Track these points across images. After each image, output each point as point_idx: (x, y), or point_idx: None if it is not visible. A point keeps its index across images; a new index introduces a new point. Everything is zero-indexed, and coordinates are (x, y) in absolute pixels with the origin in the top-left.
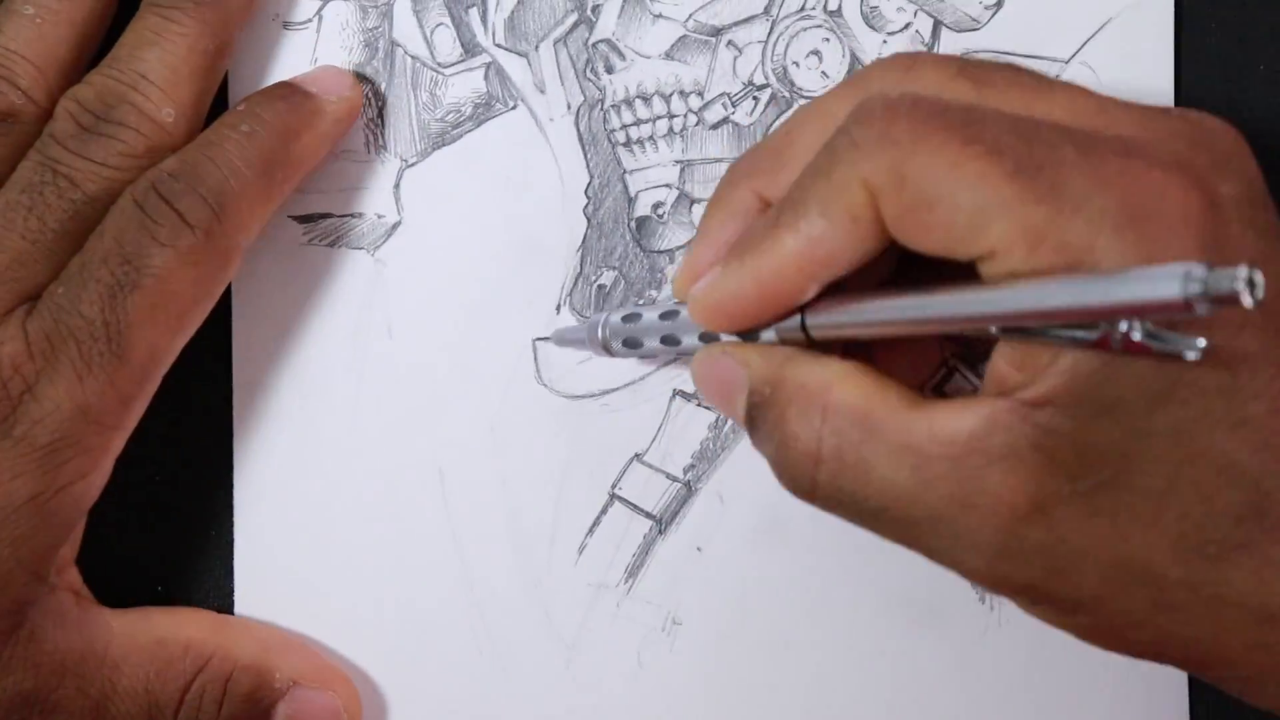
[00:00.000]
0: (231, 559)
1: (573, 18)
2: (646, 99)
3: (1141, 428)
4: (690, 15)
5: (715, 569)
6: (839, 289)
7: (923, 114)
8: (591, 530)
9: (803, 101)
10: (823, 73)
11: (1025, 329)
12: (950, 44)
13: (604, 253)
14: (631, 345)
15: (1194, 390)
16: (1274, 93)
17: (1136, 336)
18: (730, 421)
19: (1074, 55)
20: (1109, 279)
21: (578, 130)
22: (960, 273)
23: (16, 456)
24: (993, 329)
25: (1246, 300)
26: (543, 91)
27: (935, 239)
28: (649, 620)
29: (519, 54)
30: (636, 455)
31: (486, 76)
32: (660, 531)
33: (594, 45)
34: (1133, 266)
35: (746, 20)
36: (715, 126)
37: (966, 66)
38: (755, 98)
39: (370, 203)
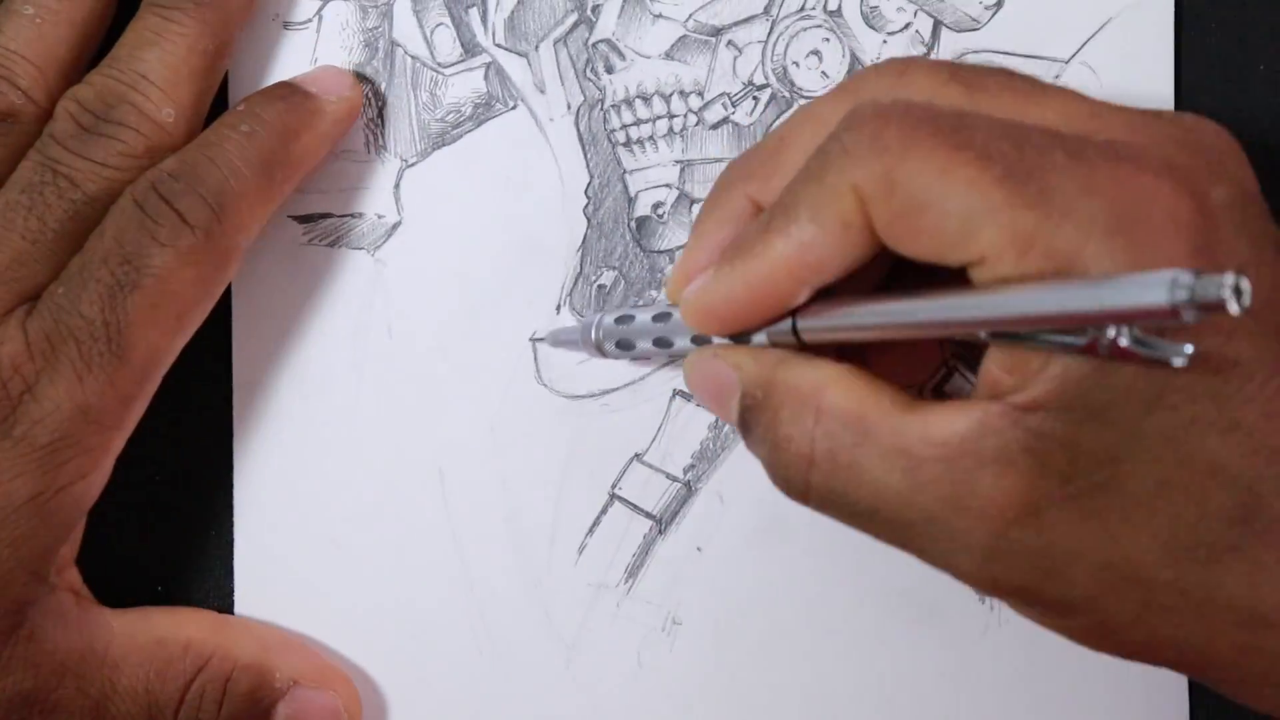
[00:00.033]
0: (231, 559)
1: (573, 18)
2: (646, 99)
3: (1133, 431)
4: (690, 15)
5: (715, 569)
6: (830, 293)
7: (913, 120)
8: (591, 530)
9: (803, 101)
10: (823, 73)
11: (1014, 334)
12: (950, 44)
13: (604, 253)
14: (624, 347)
15: (1185, 395)
16: (1274, 93)
17: (1124, 343)
18: None
19: (1074, 55)
20: (1097, 285)
21: (578, 130)
22: (952, 278)
23: (16, 456)
24: (982, 334)
25: (1233, 308)
26: (543, 91)
27: (925, 245)
28: (649, 620)
29: (519, 54)
30: (636, 455)
31: (486, 76)
32: (660, 531)
33: (594, 45)
34: (1121, 273)
35: (746, 20)
36: (715, 126)
37: (959, 71)
38: (755, 98)
39: (370, 203)
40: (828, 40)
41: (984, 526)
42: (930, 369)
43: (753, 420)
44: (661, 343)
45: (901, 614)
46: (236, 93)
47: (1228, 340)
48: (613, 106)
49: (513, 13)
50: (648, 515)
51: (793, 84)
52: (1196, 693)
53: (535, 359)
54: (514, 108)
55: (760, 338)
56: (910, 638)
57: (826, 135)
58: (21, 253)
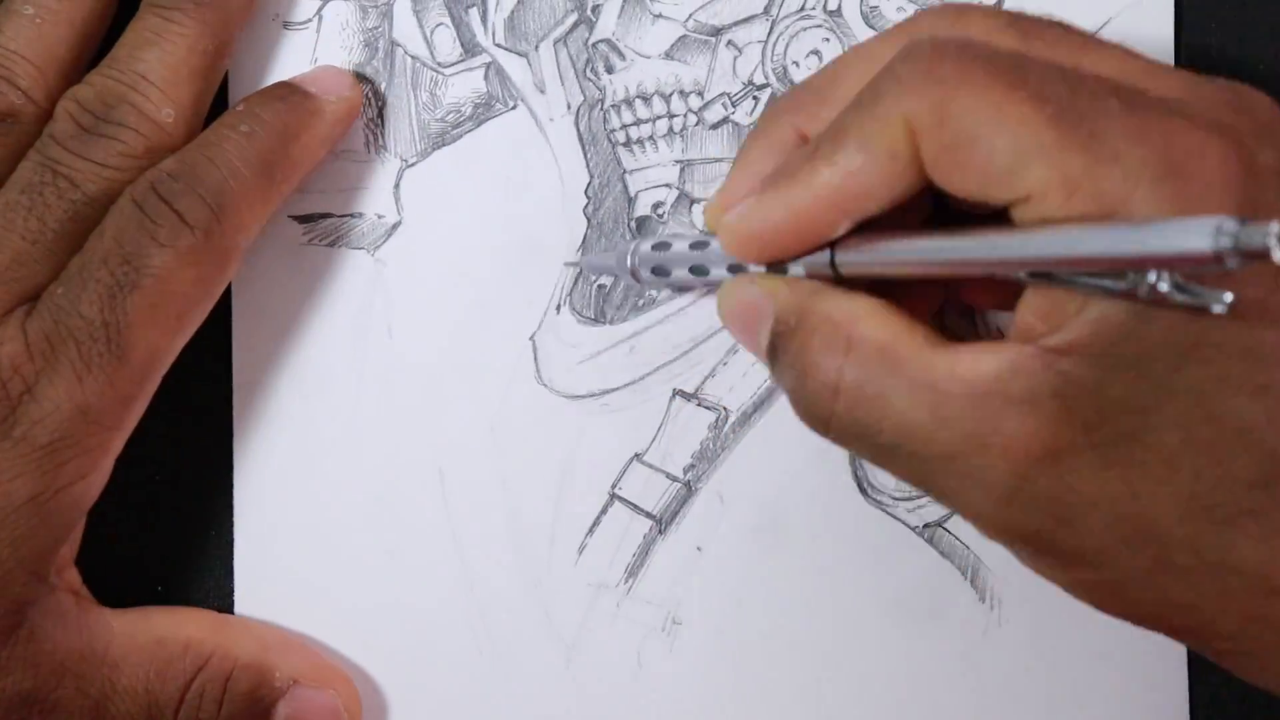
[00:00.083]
0: (231, 559)
1: (573, 17)
2: (646, 99)
3: (1163, 384)
4: (690, 15)
5: (715, 569)
6: (870, 229)
7: (970, 56)
8: (591, 530)
9: None
10: None
11: (1053, 275)
12: None
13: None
14: (660, 273)
15: (1218, 351)
16: (1274, 93)
17: (1164, 288)
18: (730, 421)
19: None
20: (1141, 228)
21: (578, 130)
22: (992, 222)
23: (16, 457)
24: (1021, 274)
25: (1278, 256)
26: (543, 91)
27: (972, 180)
28: (649, 620)
29: (519, 54)
30: (636, 455)
31: (486, 76)
32: (660, 531)
33: (594, 45)
34: (1165, 217)
35: (746, 20)
36: (715, 126)
37: (1016, 19)
38: (755, 97)
39: (370, 203)
40: (828, 40)
41: (1004, 466)
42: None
43: (782, 348)
44: (697, 270)
45: (902, 614)
46: (236, 93)
47: (1268, 295)
48: (613, 106)
49: (513, 12)
50: (648, 515)
51: (793, 84)
52: (1196, 691)
53: (535, 359)
54: (514, 108)
55: (797, 269)
56: (910, 638)
57: (878, 71)
58: (21, 253)
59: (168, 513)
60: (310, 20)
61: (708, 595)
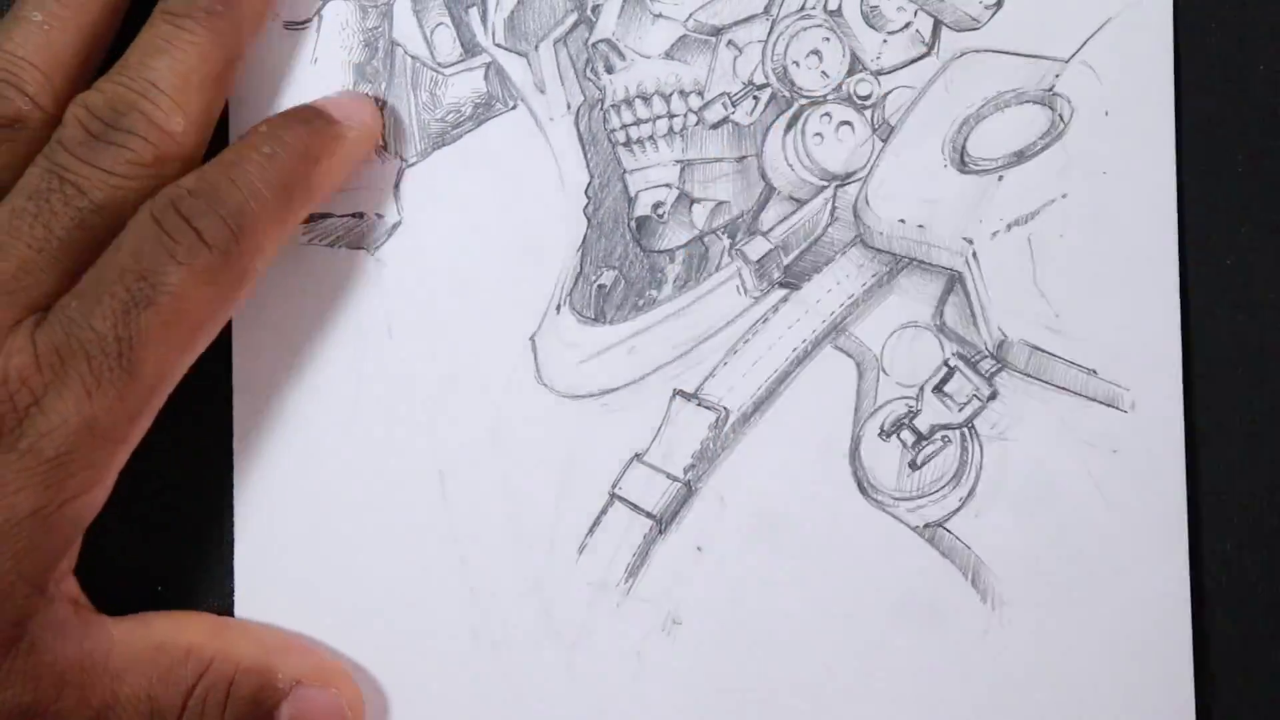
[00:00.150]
0: (232, 559)
1: (572, 17)
2: (646, 99)
3: None
4: (690, 15)
5: (715, 568)
6: None
7: None
8: (592, 530)
9: (803, 101)
10: (823, 72)
11: None
12: (950, 43)
13: (604, 252)
14: None
15: None
16: (1274, 93)
17: None
18: (730, 421)
19: (1074, 55)
20: None
21: (578, 130)
22: None
23: (21, 470)
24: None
25: None
26: (543, 91)
27: None
28: (649, 620)
29: (519, 54)
30: (636, 455)
31: (486, 76)
32: (660, 531)
33: (594, 45)
34: None
35: (746, 20)
36: (715, 126)
37: None
38: (755, 97)
39: (370, 203)
40: (828, 40)
41: None
42: (931, 369)
43: None
44: None
45: (902, 614)
46: (235, 91)
47: None
48: (613, 106)
49: (512, 12)
50: (648, 515)
51: (793, 83)
52: (1203, 694)
53: (535, 359)
54: (514, 108)
55: None
56: (911, 638)
57: None
58: (27, 261)
59: (167, 514)
60: (310, 20)
61: (708, 595)
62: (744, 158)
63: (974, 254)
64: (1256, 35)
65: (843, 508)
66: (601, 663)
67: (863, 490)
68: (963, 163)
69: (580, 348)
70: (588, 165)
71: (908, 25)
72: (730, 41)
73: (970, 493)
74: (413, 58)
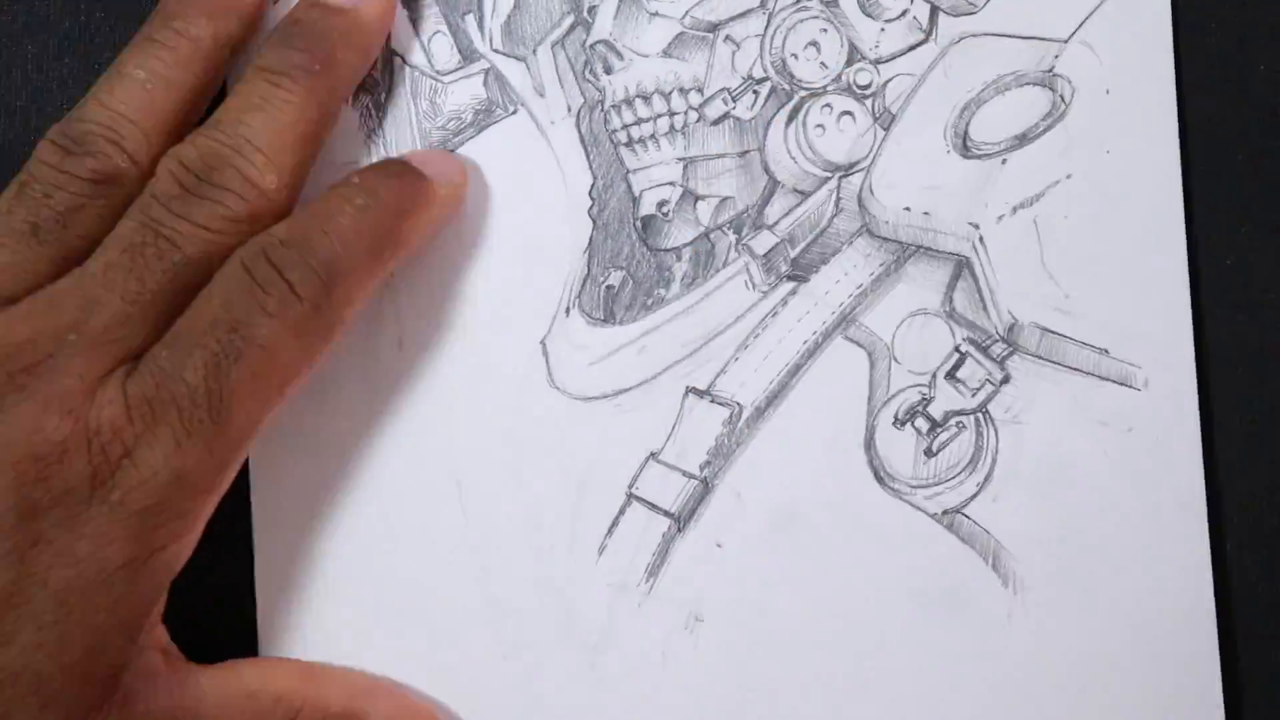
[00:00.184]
0: (251, 575)
1: (569, 20)
2: (646, 98)
3: None
4: (686, 12)
5: (735, 564)
6: None
7: None
8: (610, 531)
9: (803, 93)
10: (821, 63)
11: None
12: (948, 28)
13: (611, 253)
14: None
15: None
16: (1274, 93)
17: None
18: (744, 416)
19: (1073, 34)
20: None
21: (579, 132)
22: None
23: (113, 522)
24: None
25: None
26: (542, 95)
27: None
28: (671, 618)
29: (517, 58)
30: (652, 454)
31: (485, 82)
32: (679, 529)
33: (591, 46)
34: None
35: (743, 14)
36: (716, 122)
37: None
38: (755, 91)
39: None
40: (825, 30)
41: None
42: (943, 355)
43: None
44: None
45: (923, 602)
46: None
47: None
48: (613, 107)
49: (509, 17)
50: (666, 513)
51: (792, 76)
52: (1230, 677)
53: (547, 363)
54: (514, 112)
55: None
56: (933, 626)
57: None
58: (121, 314)
59: None
60: None
61: (729, 591)
62: (746, 152)
63: (980, 238)
64: (1256, 35)
65: (860, 498)
66: (625, 663)
67: (879, 480)
68: (965, 148)
69: (591, 349)
70: (590, 167)
71: (905, 12)
72: (728, 37)
73: (987, 477)
74: (411, 67)
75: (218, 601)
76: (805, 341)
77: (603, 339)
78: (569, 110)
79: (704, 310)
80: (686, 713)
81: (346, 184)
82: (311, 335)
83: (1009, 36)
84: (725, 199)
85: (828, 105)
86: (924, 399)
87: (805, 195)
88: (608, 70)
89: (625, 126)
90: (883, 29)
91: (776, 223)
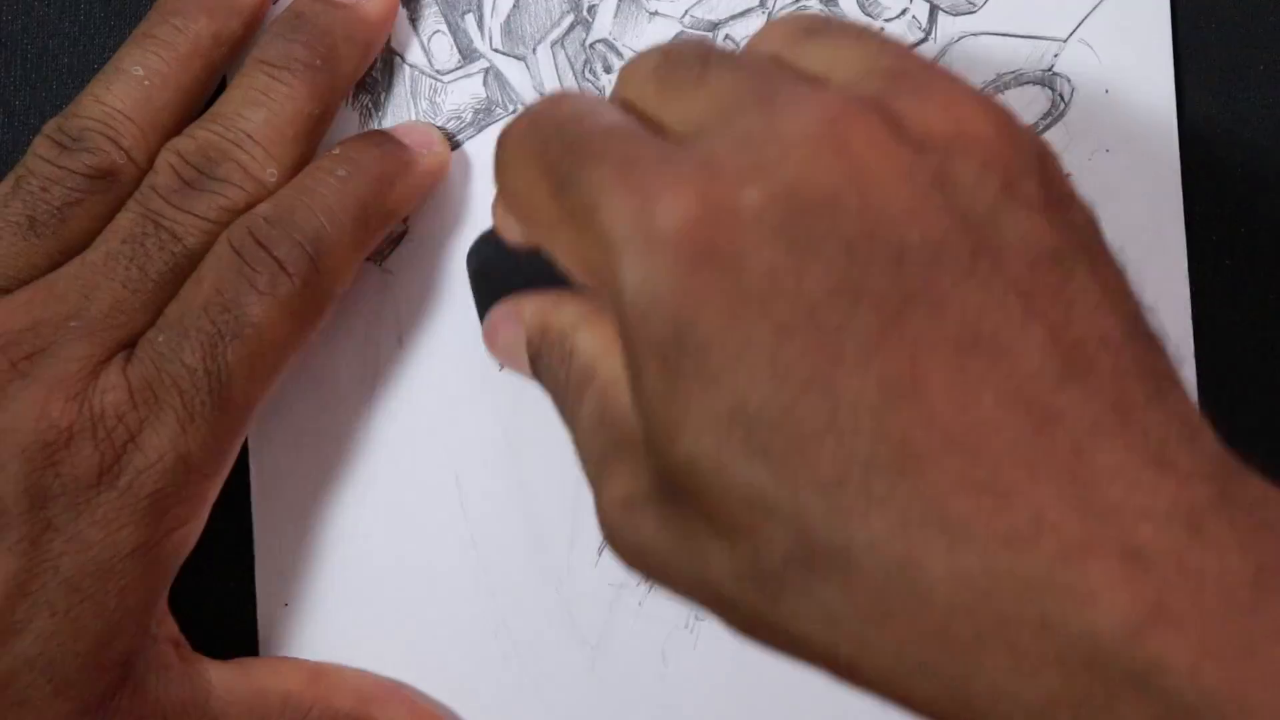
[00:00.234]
0: (251, 574)
1: (569, 19)
2: None
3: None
4: (686, 11)
5: None
6: None
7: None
8: None
9: None
10: None
11: None
12: (947, 28)
13: None
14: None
15: None
16: (1274, 93)
17: None
18: None
19: (1072, 33)
20: None
21: None
22: None
23: (122, 507)
24: None
25: None
26: (542, 94)
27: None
28: (672, 617)
29: (517, 58)
30: None
31: (485, 82)
32: None
33: (591, 45)
34: None
35: (743, 14)
36: None
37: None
38: None
39: None
40: None
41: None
42: None
43: (536, 370)
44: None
45: None
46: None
47: None
48: None
49: (509, 17)
50: None
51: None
52: None
53: None
54: (514, 111)
55: None
56: None
57: None
58: (121, 300)
59: None
60: None
61: None
62: None
63: None
64: (1256, 35)
65: None
66: (625, 662)
67: None
68: None
69: None
70: None
71: (904, 12)
72: (727, 36)
73: None
74: (411, 66)
75: (218, 600)
76: None
77: None
78: None
79: None
80: (687, 712)
81: (328, 156)
82: (303, 311)
83: (1008, 36)
84: None
85: None
86: None
87: None
88: (607, 69)
89: None
90: (882, 28)
91: None
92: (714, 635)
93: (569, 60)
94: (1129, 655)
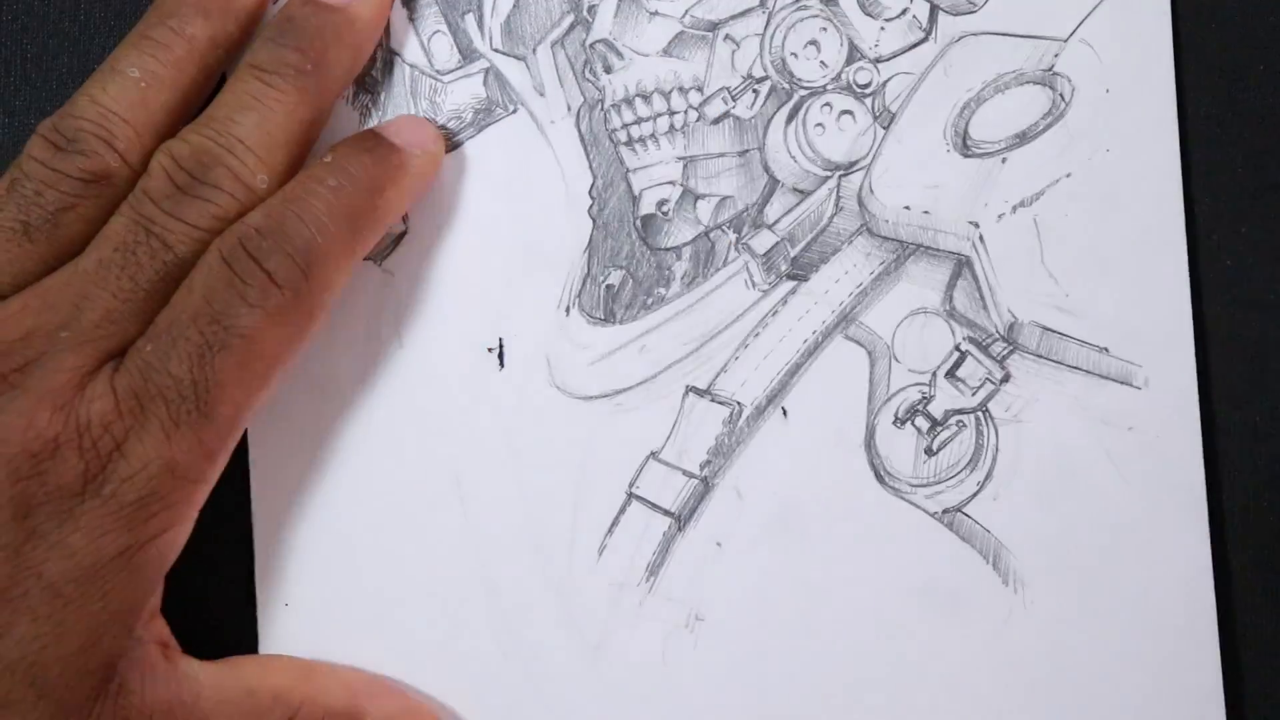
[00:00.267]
0: (251, 574)
1: (569, 19)
2: (646, 97)
3: None
4: (686, 11)
5: (736, 563)
6: None
7: None
8: (610, 530)
9: (803, 92)
10: (821, 62)
11: None
12: (947, 27)
13: (610, 252)
14: None
15: None
16: (1274, 93)
17: None
18: (745, 415)
19: (1072, 33)
20: None
21: (579, 131)
22: None
23: (106, 514)
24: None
25: None
26: (542, 94)
27: None
28: (672, 617)
29: (517, 58)
30: (652, 453)
31: (485, 82)
32: (679, 528)
33: (591, 45)
34: None
35: (743, 13)
36: (716, 121)
37: None
38: (755, 90)
39: None
40: (825, 29)
41: None
42: (944, 354)
43: None
44: None
45: (924, 601)
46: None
47: None
48: (613, 106)
49: (509, 17)
50: (666, 513)
51: (792, 75)
52: (1231, 673)
53: (547, 362)
54: (514, 112)
55: None
56: (933, 625)
57: None
58: (112, 310)
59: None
60: None
61: (729, 590)
62: (746, 151)
63: (980, 237)
64: (1256, 35)
65: (861, 497)
66: (626, 662)
67: (880, 479)
68: (965, 147)
69: (591, 349)
70: (590, 166)
71: (905, 11)
72: (728, 36)
73: (988, 476)
74: (411, 66)
75: (218, 600)
76: (805, 340)
77: (603, 338)
78: (569, 109)
79: (704, 309)
80: (687, 712)
81: (320, 165)
82: (293, 322)
83: (1009, 35)
84: (725, 198)
85: (827, 104)
86: (924, 398)
87: (805, 194)
88: (607, 69)
89: (625, 125)
90: (882, 28)
91: (776, 222)
92: (714, 636)
93: (569, 60)
94: None
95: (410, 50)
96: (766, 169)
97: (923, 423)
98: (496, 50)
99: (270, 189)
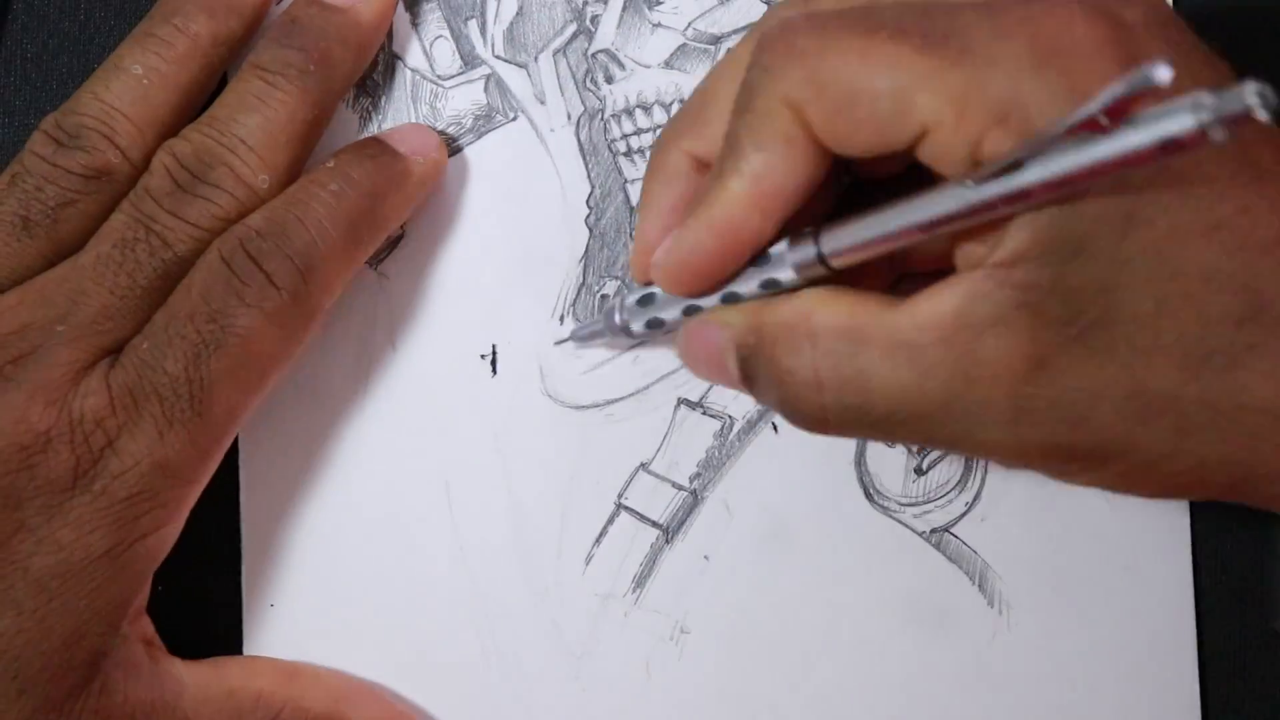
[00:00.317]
0: (239, 574)
1: (572, 28)
2: (647, 108)
3: (1115, 257)
4: (689, 24)
5: (723, 577)
6: (843, 214)
7: (820, 21)
8: (598, 540)
9: None
10: None
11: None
12: None
13: (606, 262)
14: (654, 325)
15: (1158, 207)
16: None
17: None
18: (736, 429)
19: None
20: (1123, 133)
21: (578, 140)
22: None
23: (95, 511)
24: (1012, 209)
25: (1261, 114)
26: (543, 102)
27: (868, 134)
28: (657, 629)
29: (518, 65)
30: (642, 465)
31: (486, 88)
32: (667, 540)
33: (593, 55)
34: (1144, 114)
35: (746, 27)
36: None
37: None
38: None
39: None
40: None
41: (999, 392)
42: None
43: (753, 368)
44: (692, 310)
45: (909, 619)
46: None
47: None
48: (613, 116)
49: (512, 24)
50: (654, 524)
51: None
52: (1209, 693)
53: (539, 370)
54: (514, 119)
55: (788, 274)
56: (919, 643)
57: (745, 72)
58: (109, 307)
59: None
60: None
61: (716, 604)
62: None
63: None
64: (1256, 35)
65: (849, 514)
66: (610, 673)
67: (869, 496)
68: None
69: (584, 359)
70: (589, 175)
71: None
72: (730, 50)
73: (975, 497)
74: (412, 70)
75: (204, 600)
76: None
77: (596, 348)
78: (569, 118)
79: None
80: None
81: (323, 170)
82: (291, 324)
83: None
84: None
85: None
86: None
87: None
88: (609, 79)
89: (625, 136)
90: None
91: None
92: (699, 648)
93: (570, 69)
94: None
95: (412, 55)
96: None
97: None
98: (498, 57)
99: (271, 189)
